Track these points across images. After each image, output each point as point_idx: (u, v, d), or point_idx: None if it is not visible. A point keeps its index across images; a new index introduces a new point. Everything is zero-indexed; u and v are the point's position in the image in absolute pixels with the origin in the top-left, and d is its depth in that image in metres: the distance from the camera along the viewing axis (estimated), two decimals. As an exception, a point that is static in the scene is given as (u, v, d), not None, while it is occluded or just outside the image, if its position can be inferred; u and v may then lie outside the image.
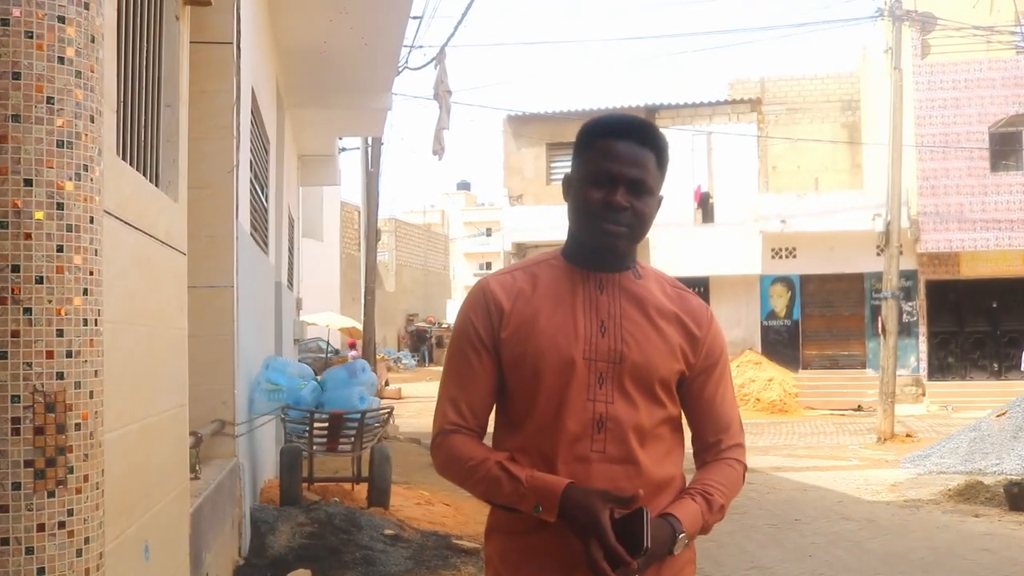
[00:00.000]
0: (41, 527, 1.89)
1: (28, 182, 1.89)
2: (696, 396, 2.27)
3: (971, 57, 22.80)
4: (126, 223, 2.89)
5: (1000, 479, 11.19)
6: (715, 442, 2.28)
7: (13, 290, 1.87)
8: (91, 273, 2.01)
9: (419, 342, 47.78)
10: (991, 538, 8.65)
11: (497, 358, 2.20)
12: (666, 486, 2.19)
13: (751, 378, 23.24)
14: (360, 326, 22.66)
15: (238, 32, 5.91)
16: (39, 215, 1.90)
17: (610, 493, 2.02)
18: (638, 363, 2.16)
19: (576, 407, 2.13)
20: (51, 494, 1.91)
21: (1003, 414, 13.47)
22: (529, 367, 2.16)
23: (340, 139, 16.38)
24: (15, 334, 1.87)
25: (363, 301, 20.86)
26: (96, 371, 2.04)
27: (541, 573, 2.14)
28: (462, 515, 8.81)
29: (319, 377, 8.17)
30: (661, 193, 2.23)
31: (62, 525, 1.93)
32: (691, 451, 2.34)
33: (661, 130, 2.25)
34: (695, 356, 2.24)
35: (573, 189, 2.21)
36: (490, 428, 2.27)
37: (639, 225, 2.17)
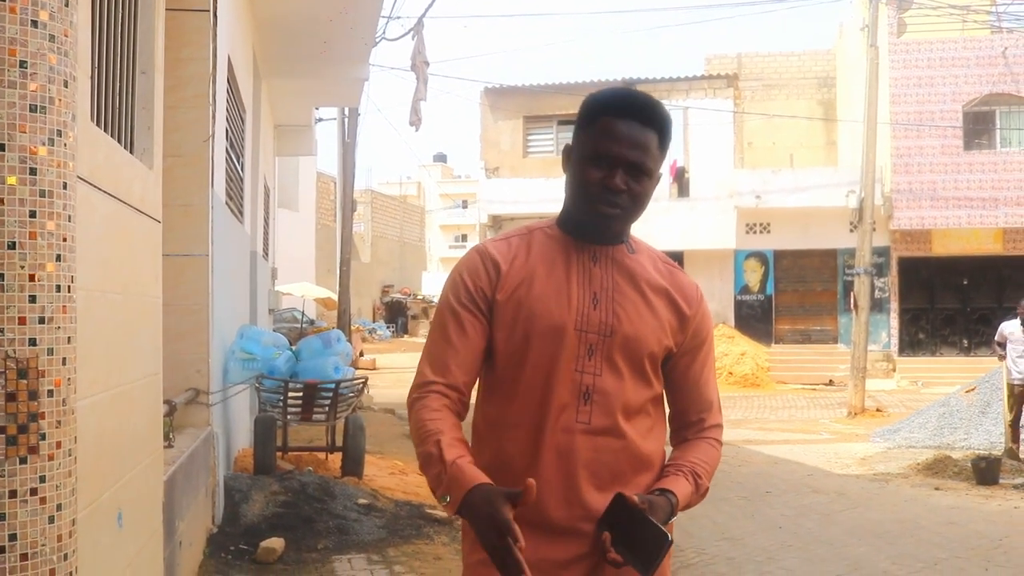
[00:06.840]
0: (13, 493, 1.87)
1: (0, 147, 1.86)
2: (681, 374, 2.27)
3: (946, 36, 22.92)
4: (100, 189, 2.85)
5: (968, 453, 11.35)
6: (697, 421, 2.28)
7: (-15, 256, 1.83)
8: (64, 239, 1.99)
9: (395, 313, 47.73)
10: (957, 511, 8.76)
11: (488, 320, 2.17)
12: (650, 461, 2.19)
13: (724, 352, 23.40)
14: (335, 297, 22.62)
15: (214, -1, 5.86)
16: (11, 180, 1.87)
17: (517, 494, 1.91)
18: (629, 337, 2.15)
19: (564, 377, 2.11)
20: (23, 460, 1.89)
21: (972, 390, 13.63)
22: (520, 331, 2.14)
23: (317, 109, 16.28)
24: (-13, 300, 1.83)
25: (338, 272, 20.83)
26: (69, 338, 2.01)
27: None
28: (436, 485, 8.77)
29: (294, 347, 8.14)
30: (660, 172, 2.21)
31: (34, 492, 1.91)
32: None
33: (664, 107, 2.19)
34: (683, 334, 2.23)
35: (572, 164, 2.18)
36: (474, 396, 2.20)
37: (635, 207, 2.15)
